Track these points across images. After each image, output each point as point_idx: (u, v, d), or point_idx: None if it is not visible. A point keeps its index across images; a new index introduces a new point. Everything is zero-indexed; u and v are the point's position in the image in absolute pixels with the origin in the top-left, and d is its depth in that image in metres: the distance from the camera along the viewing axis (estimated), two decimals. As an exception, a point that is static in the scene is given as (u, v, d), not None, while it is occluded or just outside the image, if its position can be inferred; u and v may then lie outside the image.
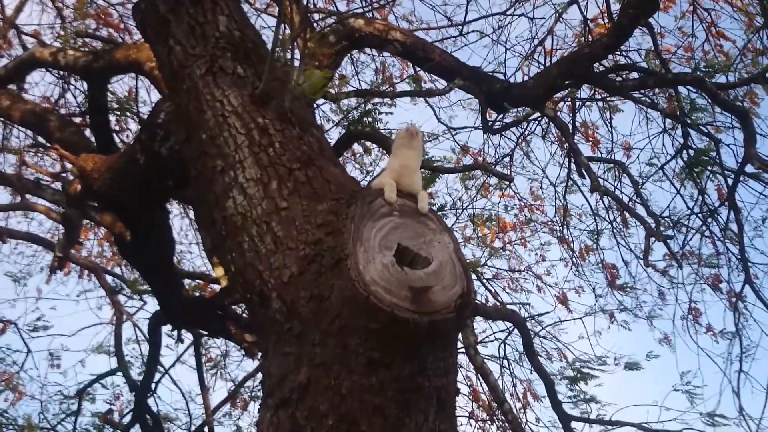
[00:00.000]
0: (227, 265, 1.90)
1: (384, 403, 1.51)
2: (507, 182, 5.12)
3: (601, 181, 4.70)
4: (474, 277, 4.12)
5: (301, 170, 1.90)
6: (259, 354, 4.53)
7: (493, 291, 5.41)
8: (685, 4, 5.08)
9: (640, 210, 4.51)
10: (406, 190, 1.77)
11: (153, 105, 5.06)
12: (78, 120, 4.91)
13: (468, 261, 2.50)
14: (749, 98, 4.80)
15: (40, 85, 9.00)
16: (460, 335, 3.34)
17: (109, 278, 5.83)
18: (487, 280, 5.42)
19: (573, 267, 5.57)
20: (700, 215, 4.75)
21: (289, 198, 1.83)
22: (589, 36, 5.10)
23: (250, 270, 1.77)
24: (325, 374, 1.52)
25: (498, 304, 5.29)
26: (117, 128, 5.25)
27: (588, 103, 5.27)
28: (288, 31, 3.13)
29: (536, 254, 5.82)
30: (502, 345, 5.15)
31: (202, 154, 2.00)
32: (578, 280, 5.72)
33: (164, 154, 2.79)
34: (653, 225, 4.12)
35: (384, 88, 4.71)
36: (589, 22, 5.14)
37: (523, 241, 5.79)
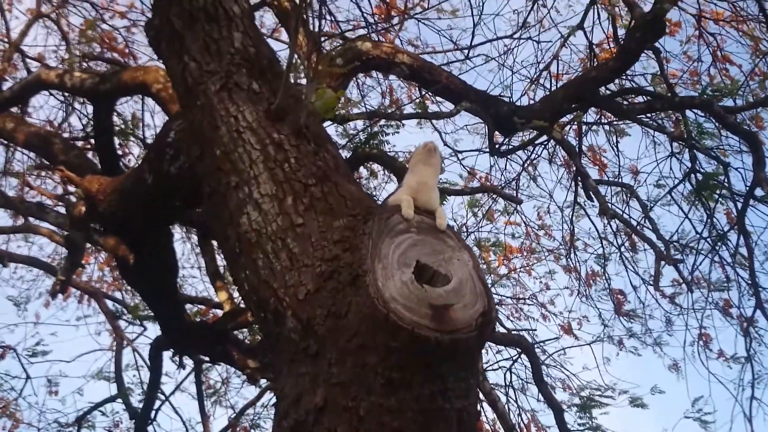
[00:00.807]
0: (241, 283, 1.85)
1: (403, 425, 1.46)
2: (515, 205, 5.09)
3: (608, 205, 4.66)
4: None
5: (316, 186, 1.87)
6: (262, 380, 4.46)
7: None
8: (691, 29, 5.11)
9: (649, 234, 4.46)
10: (423, 207, 1.74)
11: (157, 128, 5.08)
12: (81, 144, 4.89)
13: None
14: (755, 123, 4.80)
15: (44, 108, 9.02)
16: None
17: (109, 303, 5.76)
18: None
19: (579, 294, 5.50)
20: (709, 240, 4.70)
21: (304, 214, 1.80)
22: (595, 61, 5.11)
23: (265, 287, 1.73)
24: (343, 395, 1.47)
25: (503, 330, 5.22)
26: (120, 153, 5.22)
27: (595, 127, 5.27)
28: (297, 58, 3.12)
29: (541, 282, 5.77)
30: (508, 373, 5.07)
31: (216, 171, 1.98)
32: (583, 309, 5.65)
33: (173, 174, 2.76)
34: (663, 249, 4.07)
35: (391, 110, 4.70)
36: (594, 47, 5.17)
37: (527, 269, 5.74)
